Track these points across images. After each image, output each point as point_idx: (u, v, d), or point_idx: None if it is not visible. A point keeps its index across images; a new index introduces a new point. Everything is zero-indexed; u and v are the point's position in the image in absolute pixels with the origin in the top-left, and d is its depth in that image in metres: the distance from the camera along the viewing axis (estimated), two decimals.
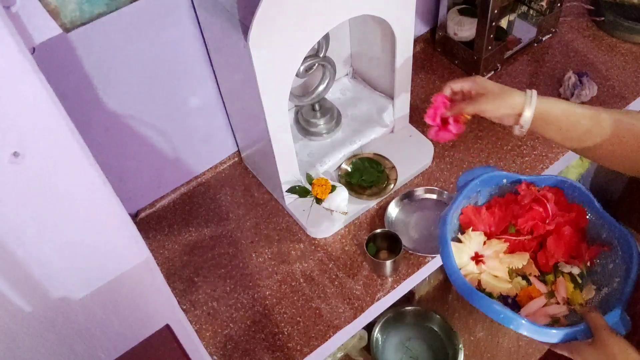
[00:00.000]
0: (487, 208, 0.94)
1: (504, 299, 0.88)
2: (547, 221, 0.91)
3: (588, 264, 0.90)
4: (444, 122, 0.95)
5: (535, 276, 0.90)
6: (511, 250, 0.92)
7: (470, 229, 0.92)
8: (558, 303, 0.86)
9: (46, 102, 0.54)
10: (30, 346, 0.69)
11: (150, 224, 1.32)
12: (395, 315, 1.66)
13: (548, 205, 0.91)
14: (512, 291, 0.88)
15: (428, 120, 0.96)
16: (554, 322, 0.84)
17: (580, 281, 0.89)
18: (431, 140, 1.35)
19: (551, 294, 0.88)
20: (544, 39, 1.59)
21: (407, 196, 1.28)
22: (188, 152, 1.32)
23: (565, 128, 0.84)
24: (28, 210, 0.58)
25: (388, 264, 1.13)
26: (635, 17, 1.53)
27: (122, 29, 1.02)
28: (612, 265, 0.87)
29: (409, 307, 1.67)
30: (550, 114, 0.84)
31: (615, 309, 0.78)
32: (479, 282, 0.89)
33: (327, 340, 1.11)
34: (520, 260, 0.90)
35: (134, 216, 1.34)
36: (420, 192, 1.29)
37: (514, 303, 0.88)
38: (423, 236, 1.23)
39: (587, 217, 0.92)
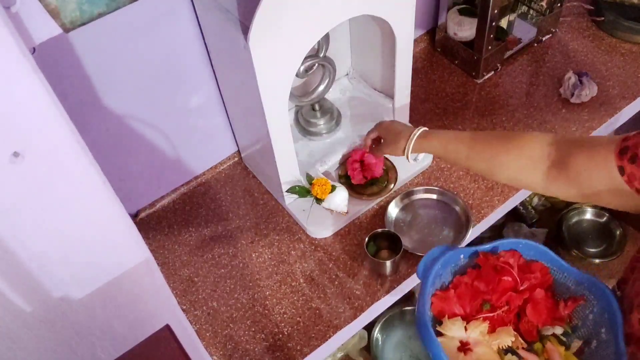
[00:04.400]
0: (454, 289, 0.91)
1: None
2: (519, 289, 0.89)
3: (568, 320, 0.89)
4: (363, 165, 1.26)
5: (523, 348, 0.87)
6: (493, 328, 0.88)
7: (446, 317, 0.88)
8: None
9: (46, 102, 0.54)
10: (30, 346, 0.69)
11: (150, 224, 1.32)
12: (395, 315, 1.66)
13: (514, 272, 0.89)
14: None
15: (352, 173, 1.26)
16: None
17: (565, 340, 0.87)
18: None
19: None
20: (544, 39, 1.59)
21: (407, 196, 1.28)
22: (188, 152, 1.32)
23: (448, 160, 1.08)
24: (28, 210, 0.58)
25: (388, 264, 1.13)
26: (635, 17, 1.53)
27: (122, 29, 1.02)
28: (592, 316, 0.86)
29: (409, 307, 1.67)
30: (431, 152, 1.05)
31: None
32: None
33: (327, 340, 1.11)
34: (508, 337, 0.87)
35: (134, 216, 1.34)
36: (420, 192, 1.29)
37: None
38: (423, 236, 1.23)
39: (550, 273, 0.91)
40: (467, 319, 0.89)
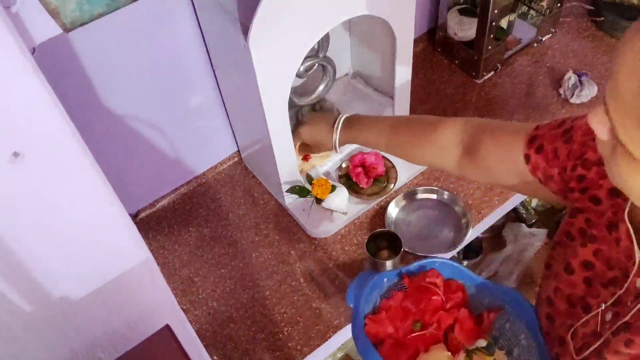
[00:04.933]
0: (385, 311, 0.92)
1: None
2: (447, 308, 0.91)
3: (489, 332, 0.90)
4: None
5: None
6: (425, 348, 0.90)
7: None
8: None
9: (46, 102, 0.54)
10: (30, 346, 0.69)
11: (150, 224, 1.32)
12: None
13: (440, 292, 0.91)
14: None
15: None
16: None
17: (488, 352, 0.88)
18: None
19: None
20: (544, 39, 1.59)
21: (407, 196, 1.29)
22: (188, 152, 1.32)
23: (371, 147, 1.11)
24: (28, 210, 0.58)
25: (388, 264, 1.13)
26: (634, 17, 1.52)
27: (122, 29, 1.02)
28: (509, 325, 0.88)
29: None
30: (355, 142, 1.09)
31: None
32: None
33: (327, 340, 1.11)
34: (444, 354, 0.88)
35: (134, 216, 1.34)
36: (420, 192, 1.29)
37: None
38: (423, 236, 1.23)
39: (466, 289, 0.93)
40: (400, 339, 0.90)
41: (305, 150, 1.23)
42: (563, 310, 0.74)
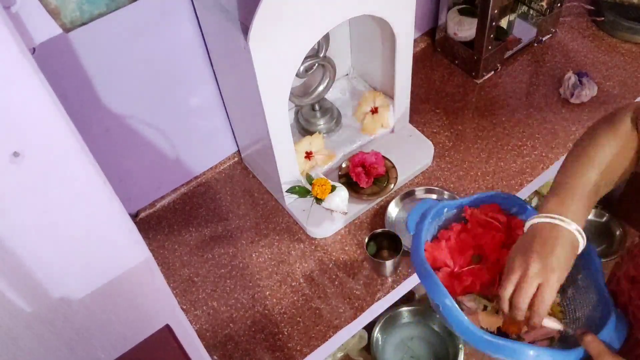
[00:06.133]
0: (444, 241, 0.91)
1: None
2: (508, 244, 0.89)
3: None
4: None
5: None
6: (481, 281, 0.88)
7: (462, 296, 0.87)
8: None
9: (46, 102, 0.54)
10: (30, 346, 0.69)
11: (150, 224, 1.32)
12: (395, 315, 1.66)
13: (502, 229, 0.89)
14: (499, 322, 0.85)
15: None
16: (551, 342, 0.83)
17: None
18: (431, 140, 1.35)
19: None
20: (544, 39, 1.59)
21: (407, 196, 1.28)
22: (188, 152, 1.32)
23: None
24: (28, 210, 0.58)
25: (388, 264, 1.13)
26: (635, 17, 1.53)
27: (122, 29, 1.02)
28: None
29: (410, 307, 1.67)
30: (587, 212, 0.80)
31: (608, 319, 0.75)
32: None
33: (327, 340, 1.11)
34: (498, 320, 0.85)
35: (134, 216, 1.34)
36: (420, 191, 1.29)
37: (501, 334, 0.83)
38: None
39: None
40: (455, 271, 0.90)
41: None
42: None
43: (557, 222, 0.75)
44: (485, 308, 0.86)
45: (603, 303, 0.78)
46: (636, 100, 1.43)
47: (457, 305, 0.77)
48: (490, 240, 0.89)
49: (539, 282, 0.73)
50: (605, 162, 0.78)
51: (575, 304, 0.84)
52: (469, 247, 0.90)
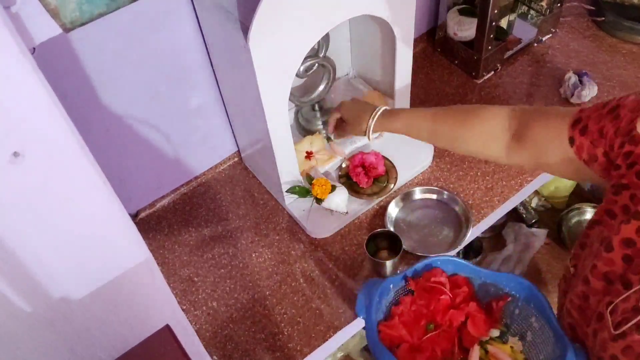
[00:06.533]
0: (397, 317, 0.93)
1: None
2: (456, 304, 0.92)
3: (500, 321, 0.91)
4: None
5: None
6: (441, 347, 0.91)
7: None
8: None
9: (46, 102, 0.54)
10: (30, 346, 0.69)
11: (150, 224, 1.32)
12: None
13: (447, 290, 0.92)
14: None
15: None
16: None
17: (502, 341, 0.89)
18: None
19: None
20: (544, 39, 1.59)
21: (407, 196, 1.28)
22: (188, 152, 1.32)
23: (412, 137, 1.06)
24: (28, 210, 0.58)
25: (388, 264, 1.13)
26: (635, 17, 1.53)
27: (122, 29, 1.02)
28: (518, 310, 0.89)
29: None
30: (393, 130, 1.07)
31: (565, 356, 0.78)
32: None
33: (327, 340, 1.11)
34: None
35: (134, 216, 1.34)
36: (420, 192, 1.29)
37: None
38: (423, 236, 1.23)
39: (470, 282, 0.94)
40: (415, 343, 0.92)
41: (339, 128, 1.21)
42: (600, 287, 0.75)
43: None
44: None
45: (558, 339, 0.81)
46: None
47: None
48: (439, 305, 0.91)
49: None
50: (457, 120, 0.96)
51: (537, 347, 0.87)
52: (421, 317, 0.93)
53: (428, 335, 0.91)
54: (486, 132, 0.93)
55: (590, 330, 0.76)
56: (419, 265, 0.94)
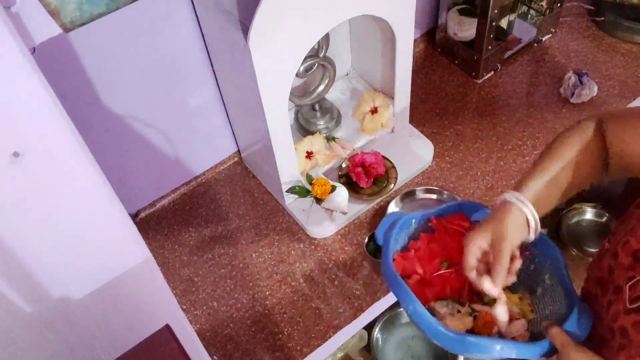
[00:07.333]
0: (415, 251, 0.93)
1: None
2: None
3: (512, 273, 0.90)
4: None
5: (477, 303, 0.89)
6: (451, 285, 0.91)
7: (434, 302, 0.89)
8: (517, 318, 0.86)
9: (46, 102, 0.54)
10: (30, 346, 0.69)
11: (150, 224, 1.32)
12: (395, 315, 1.66)
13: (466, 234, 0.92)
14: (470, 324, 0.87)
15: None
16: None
17: (512, 291, 0.89)
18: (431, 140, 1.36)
19: None
20: (544, 39, 1.59)
21: (407, 196, 1.28)
22: (188, 152, 1.32)
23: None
24: (28, 210, 0.58)
25: None
26: (635, 17, 1.53)
27: (122, 29, 1.02)
28: (533, 266, 0.89)
29: None
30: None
31: (571, 313, 0.77)
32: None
33: (327, 340, 1.11)
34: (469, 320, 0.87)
35: (134, 216, 1.34)
36: (420, 191, 1.29)
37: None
38: None
39: None
40: (426, 277, 0.92)
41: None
42: (626, 263, 0.75)
43: (508, 197, 0.82)
44: (457, 312, 0.88)
45: (568, 297, 0.82)
46: (634, 101, 1.43)
47: (426, 310, 0.80)
48: (457, 246, 0.91)
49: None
50: (566, 158, 0.85)
51: (545, 301, 0.87)
52: (437, 255, 0.92)
53: (440, 272, 0.91)
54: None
55: (605, 300, 0.77)
56: (446, 206, 0.94)
